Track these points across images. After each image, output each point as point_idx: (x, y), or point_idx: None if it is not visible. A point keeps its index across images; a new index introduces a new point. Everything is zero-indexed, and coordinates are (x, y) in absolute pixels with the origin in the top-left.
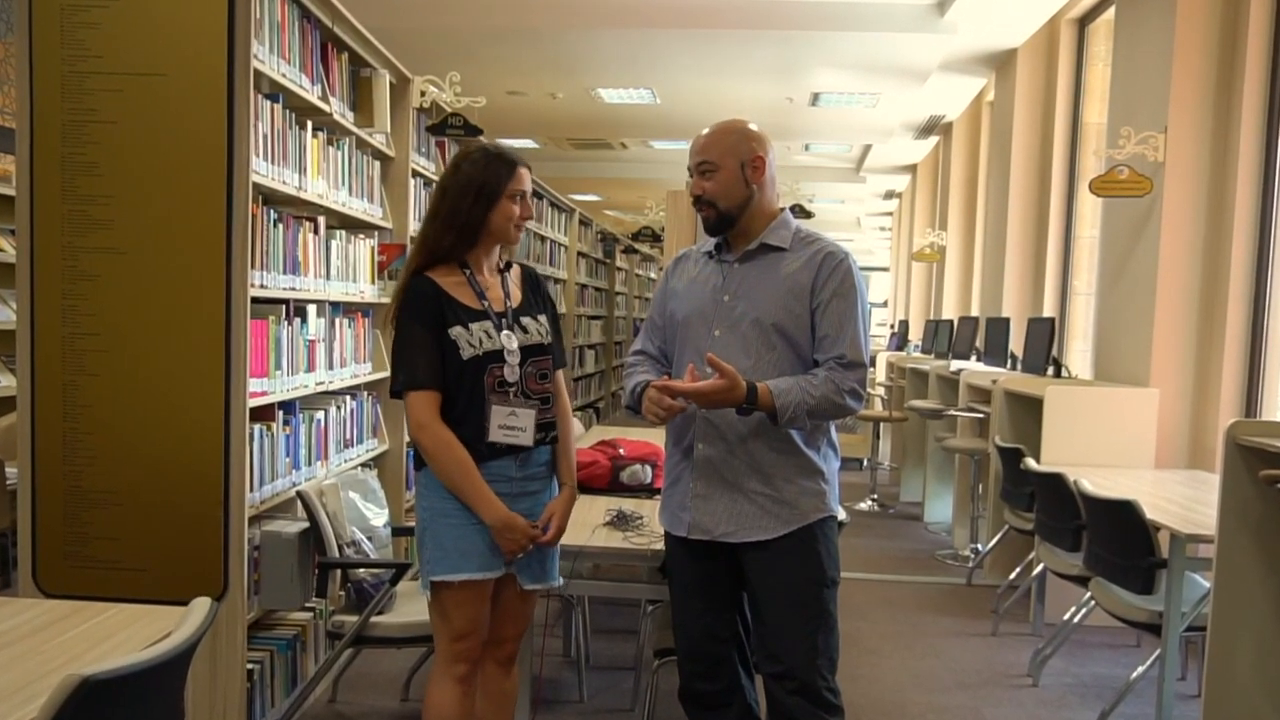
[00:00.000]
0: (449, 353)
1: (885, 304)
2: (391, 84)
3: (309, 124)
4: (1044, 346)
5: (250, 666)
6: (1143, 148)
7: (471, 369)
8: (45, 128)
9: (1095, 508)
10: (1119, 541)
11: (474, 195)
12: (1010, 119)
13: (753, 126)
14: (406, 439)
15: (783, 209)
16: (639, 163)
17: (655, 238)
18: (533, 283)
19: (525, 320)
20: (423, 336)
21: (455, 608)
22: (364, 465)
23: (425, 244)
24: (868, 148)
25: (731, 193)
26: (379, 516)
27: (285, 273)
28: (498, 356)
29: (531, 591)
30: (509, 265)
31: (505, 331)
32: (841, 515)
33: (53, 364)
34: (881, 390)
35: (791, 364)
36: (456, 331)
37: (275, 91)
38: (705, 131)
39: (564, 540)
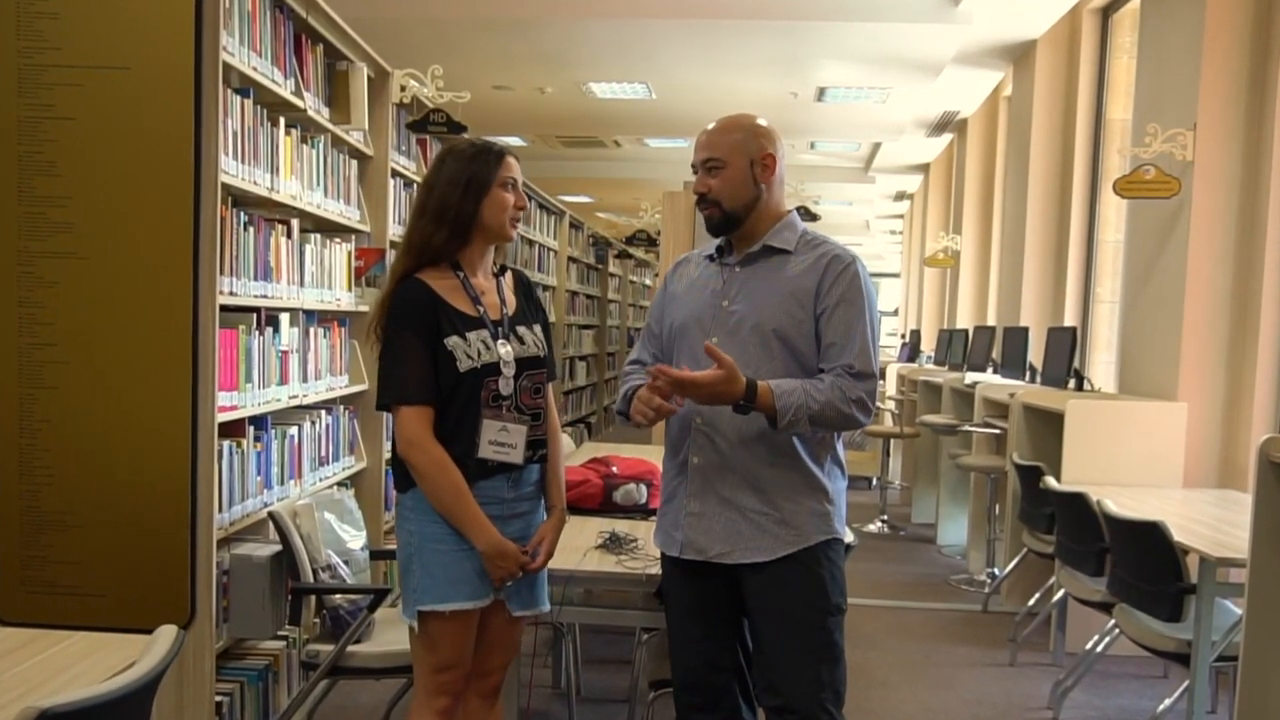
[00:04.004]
0: (443, 364)
1: (896, 312)
2: (369, 78)
3: (281, 120)
4: (1065, 358)
5: (219, 699)
6: (1170, 146)
7: (468, 382)
8: None
9: (1119, 530)
10: (1145, 565)
11: (463, 188)
12: (1029, 115)
13: (762, 122)
14: (386, 456)
15: (789, 210)
16: (633, 162)
17: (650, 242)
18: (526, 289)
19: (521, 330)
20: (415, 346)
21: (442, 638)
22: (340, 484)
23: (414, 243)
24: (877, 146)
25: (738, 192)
26: (356, 539)
27: (256, 279)
28: (494, 369)
29: (520, 618)
30: (503, 269)
31: (501, 341)
32: (848, 537)
33: (8, 376)
34: (892, 404)
35: (791, 373)
36: (453, 341)
37: (245, 86)
38: (712, 126)
39: (553, 565)
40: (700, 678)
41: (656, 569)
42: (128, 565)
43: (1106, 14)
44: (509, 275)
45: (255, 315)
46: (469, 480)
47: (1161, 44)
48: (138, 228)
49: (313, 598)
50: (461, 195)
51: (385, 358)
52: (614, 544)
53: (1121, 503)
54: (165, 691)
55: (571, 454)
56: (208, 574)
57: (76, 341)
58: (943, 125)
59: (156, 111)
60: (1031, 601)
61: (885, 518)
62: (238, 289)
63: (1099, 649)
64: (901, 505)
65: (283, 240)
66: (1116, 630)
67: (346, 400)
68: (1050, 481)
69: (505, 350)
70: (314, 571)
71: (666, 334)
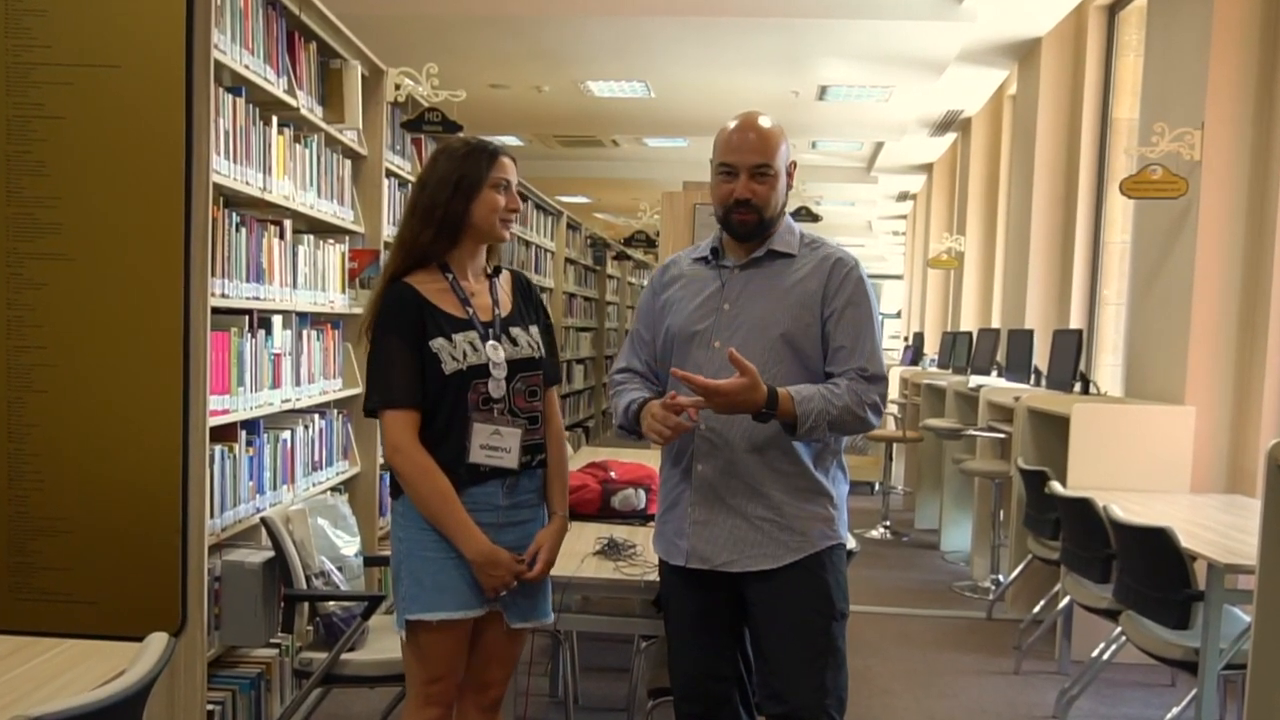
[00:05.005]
0: (429, 367)
1: (899, 315)
2: (364, 76)
3: (274, 119)
4: (1070, 361)
5: (211, 707)
6: (1178, 145)
7: (454, 385)
8: None
9: (1126, 536)
10: (1152, 572)
11: (454, 187)
12: (1034, 114)
13: None
14: (380, 461)
15: (784, 213)
16: (632, 162)
17: (649, 243)
18: (524, 290)
19: (515, 331)
20: (401, 349)
21: (431, 649)
22: (334, 489)
23: (403, 244)
24: (879, 145)
25: (778, 200)
26: (350, 545)
27: (248, 281)
28: (483, 371)
29: (520, 630)
30: (498, 270)
31: (491, 343)
32: (851, 543)
33: None
34: (895, 408)
35: (796, 378)
36: (438, 343)
37: (238, 84)
38: (746, 128)
39: (551, 571)
40: (700, 687)
41: (655, 576)
42: (118, 572)
43: (1113, 11)
44: (505, 276)
45: (247, 317)
46: (460, 486)
47: (1169, 42)
48: (128, 229)
49: (306, 605)
50: (451, 194)
51: (371, 361)
52: (612, 550)
53: (1128, 508)
54: (156, 700)
55: (569, 458)
56: (199, 581)
57: (66, 344)
58: (946, 124)
59: (147, 110)
60: (1036, 609)
61: (888, 523)
62: (229, 291)
63: (1105, 657)
64: (904, 511)
65: (275, 241)
66: (1123, 638)
67: (340, 404)
68: (1056, 486)
69: (496, 352)
70: (307, 578)
71: (663, 340)
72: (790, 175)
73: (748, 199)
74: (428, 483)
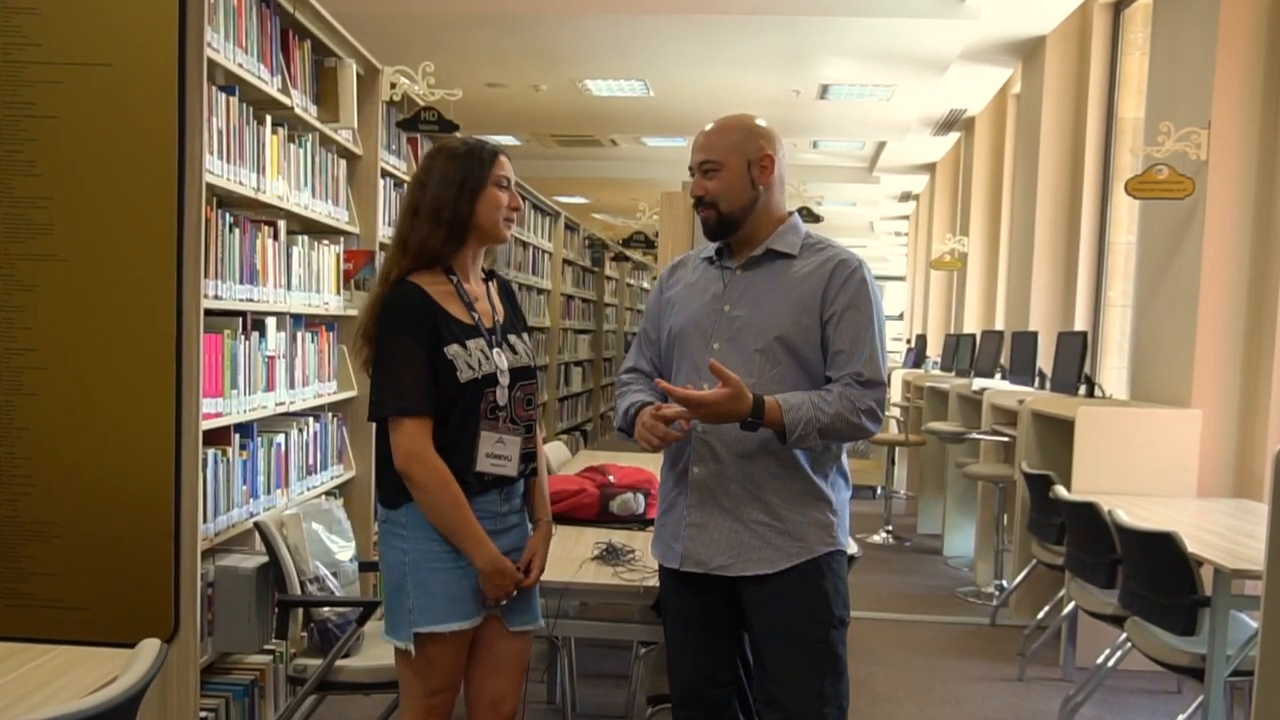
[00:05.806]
0: (442, 374)
1: (901, 317)
2: (359, 75)
3: (268, 119)
4: (1075, 363)
5: (204, 714)
6: (1184, 145)
7: (467, 393)
8: None
9: (1132, 540)
10: (1158, 577)
11: (458, 187)
12: (1038, 113)
13: (760, 122)
14: (375, 465)
15: (791, 213)
16: (631, 161)
17: (648, 244)
18: (510, 296)
19: (512, 339)
20: (414, 353)
21: (440, 660)
22: (328, 494)
23: (407, 245)
24: (882, 145)
25: (736, 194)
26: (345, 550)
27: (242, 282)
28: (492, 380)
29: (522, 637)
30: (492, 274)
31: (497, 351)
32: (852, 549)
33: None
34: (897, 411)
35: (796, 382)
36: (454, 350)
37: (231, 83)
38: (708, 127)
39: (548, 576)
40: (699, 692)
41: (654, 581)
42: (109, 577)
43: (1118, 9)
44: (495, 281)
45: (241, 319)
46: (469, 495)
47: (1175, 39)
48: (120, 229)
49: (300, 610)
50: (456, 194)
51: (382, 365)
52: (611, 555)
53: (1134, 513)
54: (148, 707)
55: (567, 462)
56: (192, 586)
57: (57, 347)
58: (949, 124)
59: (139, 109)
60: (1041, 614)
61: (890, 528)
62: (223, 292)
63: (1110, 663)
64: (907, 515)
65: (269, 242)
66: (1128, 644)
67: (335, 407)
68: (1060, 491)
69: (502, 360)
70: (301, 583)
71: (665, 340)
72: (765, 169)
73: (700, 196)
74: (445, 491)
